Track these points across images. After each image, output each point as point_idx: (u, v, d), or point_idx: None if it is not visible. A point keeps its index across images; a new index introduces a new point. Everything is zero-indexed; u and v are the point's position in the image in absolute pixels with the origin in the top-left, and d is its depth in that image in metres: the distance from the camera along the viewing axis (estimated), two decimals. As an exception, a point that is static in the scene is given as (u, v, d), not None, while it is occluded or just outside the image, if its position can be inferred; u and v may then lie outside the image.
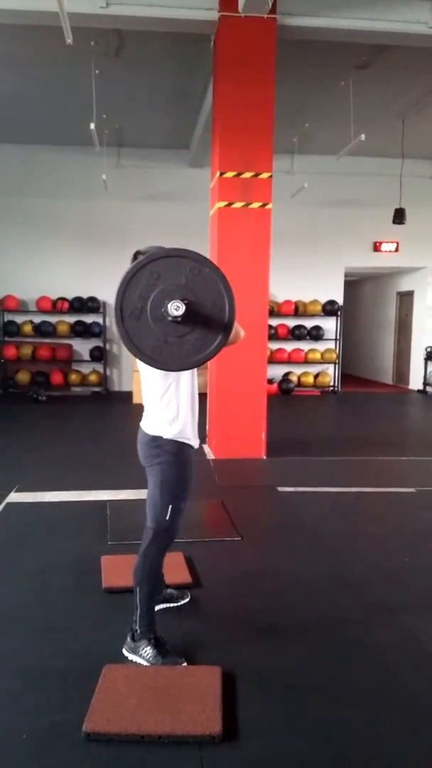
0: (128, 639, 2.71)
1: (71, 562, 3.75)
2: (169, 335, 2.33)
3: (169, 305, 2.26)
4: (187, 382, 2.68)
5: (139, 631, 2.67)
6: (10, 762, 2.07)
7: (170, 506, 2.66)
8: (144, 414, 2.79)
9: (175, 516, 2.69)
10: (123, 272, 2.34)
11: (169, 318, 2.27)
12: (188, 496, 2.76)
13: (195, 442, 2.77)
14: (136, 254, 2.77)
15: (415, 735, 2.24)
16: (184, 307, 2.26)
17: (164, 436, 2.67)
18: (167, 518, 2.66)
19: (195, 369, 2.66)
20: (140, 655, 2.63)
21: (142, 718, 2.22)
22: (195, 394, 2.76)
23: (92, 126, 7.78)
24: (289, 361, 12.53)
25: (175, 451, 2.68)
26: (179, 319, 2.27)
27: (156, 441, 2.69)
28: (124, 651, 2.69)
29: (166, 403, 2.67)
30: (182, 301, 2.26)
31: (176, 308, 2.25)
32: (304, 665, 2.67)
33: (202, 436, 7.11)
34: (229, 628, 3.01)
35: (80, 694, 2.37)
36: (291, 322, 12.55)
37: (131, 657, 2.66)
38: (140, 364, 2.62)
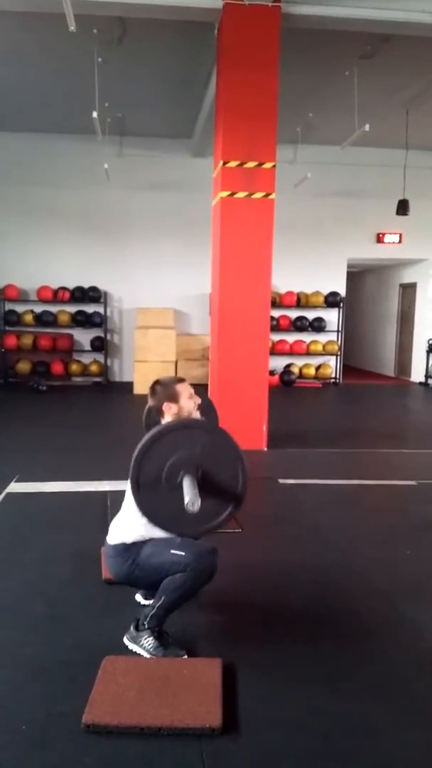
0: (131, 628, 2.70)
1: (71, 552, 3.75)
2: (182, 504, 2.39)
3: (186, 501, 2.33)
4: None
5: (146, 626, 2.66)
6: (9, 753, 2.07)
7: (173, 552, 2.60)
8: (113, 525, 2.82)
9: (187, 548, 2.60)
10: (139, 444, 2.44)
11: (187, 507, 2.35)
12: (176, 532, 2.70)
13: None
14: (155, 385, 2.90)
15: (416, 729, 2.24)
16: (199, 502, 2.32)
17: (127, 541, 2.70)
18: (185, 555, 2.57)
19: None
20: (141, 645, 2.63)
21: (141, 710, 2.21)
22: None
23: (94, 114, 7.72)
24: (291, 353, 12.51)
25: (143, 542, 2.70)
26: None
27: (119, 548, 2.72)
28: (125, 640, 2.69)
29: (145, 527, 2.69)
30: (196, 472, 2.42)
31: (192, 504, 2.32)
32: (305, 658, 2.67)
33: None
34: (229, 620, 3.01)
35: (80, 686, 2.37)
36: (293, 314, 12.51)
37: (132, 646, 2.66)
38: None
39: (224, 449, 2.48)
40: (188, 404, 2.85)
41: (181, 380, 2.92)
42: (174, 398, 2.83)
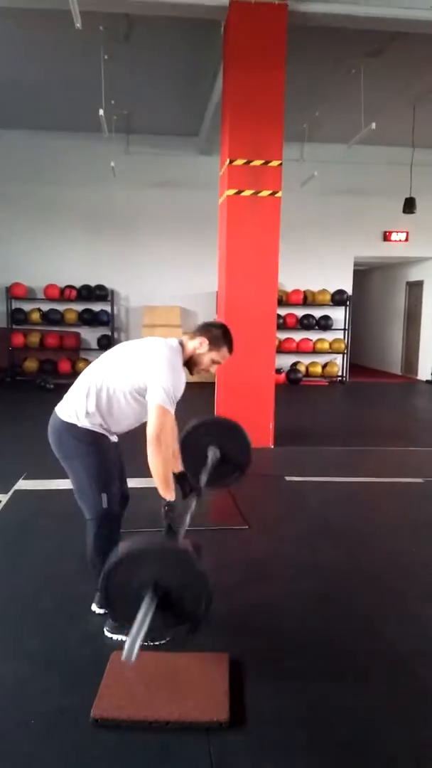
0: (109, 620, 2.74)
1: (78, 548, 3.73)
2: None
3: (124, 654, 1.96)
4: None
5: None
6: (19, 746, 2.09)
7: (103, 495, 2.66)
8: (66, 397, 2.79)
9: (111, 502, 2.71)
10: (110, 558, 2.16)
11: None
12: (116, 480, 2.77)
13: (112, 436, 2.78)
14: (217, 327, 2.85)
15: (423, 726, 2.25)
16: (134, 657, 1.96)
17: (78, 425, 2.67)
18: (104, 506, 2.67)
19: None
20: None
21: (149, 705, 2.23)
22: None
23: (101, 112, 7.73)
24: (298, 351, 12.49)
25: (93, 440, 2.68)
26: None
27: (71, 430, 2.68)
28: (109, 633, 2.73)
29: (112, 401, 2.67)
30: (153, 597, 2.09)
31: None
32: (312, 652, 2.68)
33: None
34: (236, 615, 3.01)
35: (88, 680, 2.38)
36: (299, 312, 12.50)
37: (117, 637, 2.68)
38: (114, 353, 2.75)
39: (191, 575, 2.17)
40: (209, 362, 2.80)
41: (231, 349, 2.83)
42: (213, 347, 2.77)
